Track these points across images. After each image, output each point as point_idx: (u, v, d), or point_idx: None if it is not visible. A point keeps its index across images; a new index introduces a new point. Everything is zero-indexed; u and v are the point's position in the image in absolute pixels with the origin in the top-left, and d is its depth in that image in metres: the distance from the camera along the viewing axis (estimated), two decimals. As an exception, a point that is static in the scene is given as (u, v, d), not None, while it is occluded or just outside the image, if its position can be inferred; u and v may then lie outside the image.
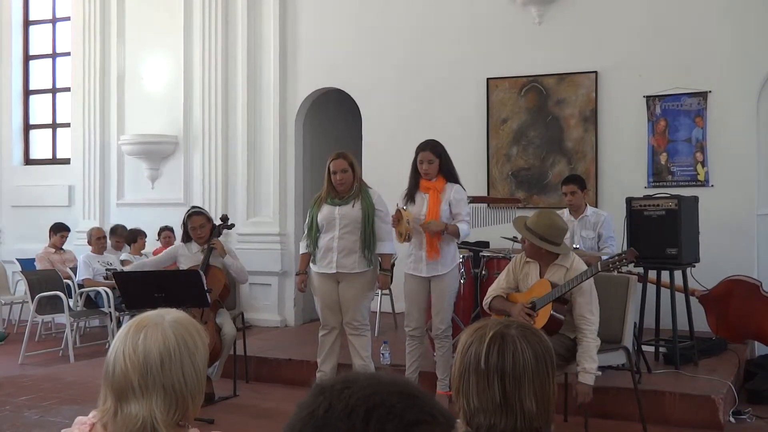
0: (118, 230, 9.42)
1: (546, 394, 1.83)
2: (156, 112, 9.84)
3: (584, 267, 4.62)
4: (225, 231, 6.42)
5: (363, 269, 5.51)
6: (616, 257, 4.56)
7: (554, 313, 4.57)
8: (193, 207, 6.55)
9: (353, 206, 5.49)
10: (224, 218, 6.41)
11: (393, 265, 5.82)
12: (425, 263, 5.47)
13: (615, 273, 4.95)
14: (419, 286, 5.53)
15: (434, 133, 6.42)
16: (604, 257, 6.00)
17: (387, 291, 7.66)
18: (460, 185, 5.55)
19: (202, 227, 6.11)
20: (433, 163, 5.46)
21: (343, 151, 5.65)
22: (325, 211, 5.55)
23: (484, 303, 4.93)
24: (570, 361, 4.62)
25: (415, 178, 5.55)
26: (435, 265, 5.45)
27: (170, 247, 6.71)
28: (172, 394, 1.75)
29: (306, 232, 5.71)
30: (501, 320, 1.96)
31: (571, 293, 4.55)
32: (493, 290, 4.90)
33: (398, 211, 5.38)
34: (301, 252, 5.79)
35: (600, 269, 4.50)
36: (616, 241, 6.52)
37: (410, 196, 5.55)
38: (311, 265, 5.67)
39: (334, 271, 5.52)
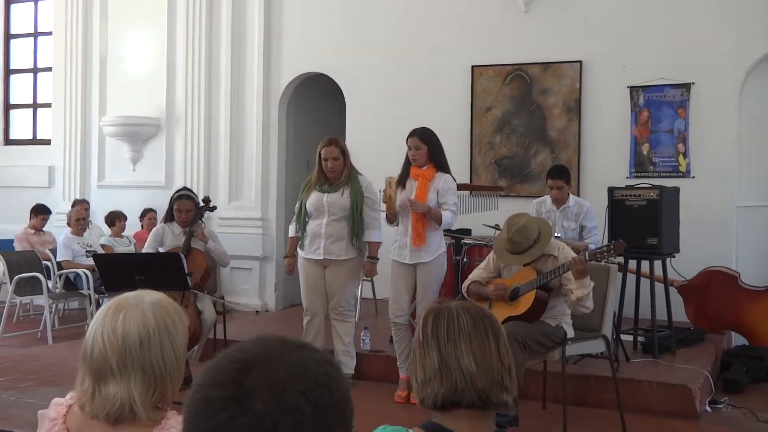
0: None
1: (487, 356, 1.80)
2: (138, 93, 9.75)
3: (572, 254, 4.60)
4: (207, 213, 6.36)
5: (350, 256, 5.53)
6: (604, 248, 4.54)
7: (539, 291, 4.55)
8: (184, 189, 6.37)
9: (342, 194, 5.50)
10: (206, 200, 6.32)
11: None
12: (409, 250, 5.46)
13: (602, 263, 4.95)
14: (403, 273, 5.52)
15: (418, 119, 6.40)
16: (591, 246, 6.02)
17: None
18: (451, 175, 5.55)
19: (188, 212, 6.02)
20: (420, 149, 5.44)
21: (335, 137, 5.62)
22: (314, 198, 5.55)
23: (463, 287, 4.95)
24: (550, 348, 4.64)
25: (407, 164, 5.56)
26: (419, 253, 5.44)
27: (154, 231, 6.27)
28: (150, 375, 1.74)
29: (295, 215, 5.70)
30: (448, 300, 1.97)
31: (560, 280, 4.55)
32: (473, 276, 4.91)
33: (388, 181, 5.41)
34: (290, 235, 5.80)
35: (588, 259, 4.49)
36: (599, 231, 6.55)
37: (401, 182, 5.56)
38: (299, 250, 5.66)
39: (322, 258, 5.53)
